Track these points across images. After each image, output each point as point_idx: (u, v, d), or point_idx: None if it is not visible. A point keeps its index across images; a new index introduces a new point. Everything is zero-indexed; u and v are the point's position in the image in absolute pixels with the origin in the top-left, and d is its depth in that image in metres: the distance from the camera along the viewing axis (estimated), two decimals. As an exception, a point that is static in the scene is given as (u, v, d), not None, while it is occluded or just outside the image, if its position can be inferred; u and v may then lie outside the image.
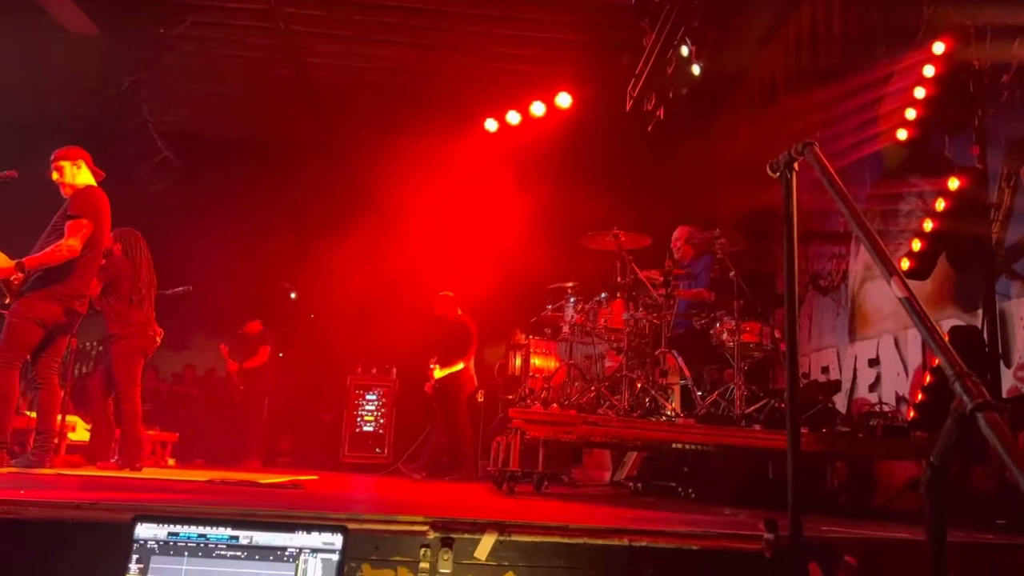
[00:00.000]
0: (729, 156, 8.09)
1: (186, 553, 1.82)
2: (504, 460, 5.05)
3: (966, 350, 4.59)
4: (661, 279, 5.57)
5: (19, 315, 4.68)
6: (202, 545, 1.82)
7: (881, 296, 6.26)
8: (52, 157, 5.02)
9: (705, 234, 5.62)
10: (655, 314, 5.51)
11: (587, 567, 2.07)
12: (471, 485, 6.38)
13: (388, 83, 9.04)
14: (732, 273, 5.25)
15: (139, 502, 2.30)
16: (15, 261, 4.58)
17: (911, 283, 1.68)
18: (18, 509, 2.04)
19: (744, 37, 7.10)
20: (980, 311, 5.00)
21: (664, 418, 4.95)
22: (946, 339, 1.56)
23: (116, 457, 5.62)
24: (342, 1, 7.71)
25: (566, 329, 5.83)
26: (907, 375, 5.83)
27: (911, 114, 5.60)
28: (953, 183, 5.03)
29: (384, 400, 9.50)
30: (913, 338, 5.78)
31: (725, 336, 5.16)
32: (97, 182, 5.13)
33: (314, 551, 1.83)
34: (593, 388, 5.50)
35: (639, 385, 5.30)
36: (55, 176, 5.00)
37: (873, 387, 6.23)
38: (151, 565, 1.80)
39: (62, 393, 5.28)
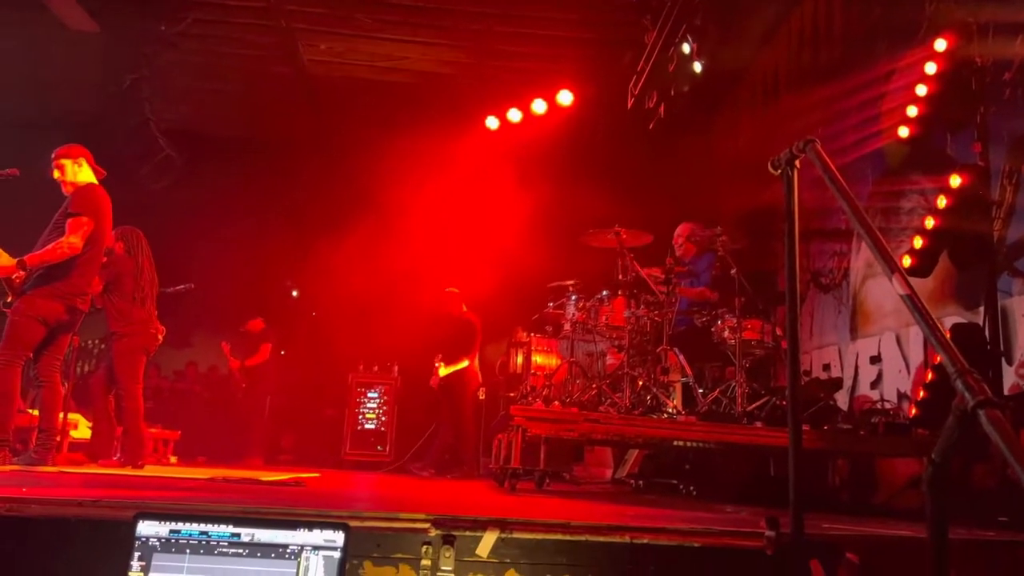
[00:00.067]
0: (731, 153, 8.08)
1: (188, 551, 1.82)
2: (506, 458, 5.05)
3: (968, 347, 4.59)
4: (663, 277, 5.57)
5: (21, 313, 4.68)
6: (204, 542, 1.83)
7: (883, 293, 6.25)
8: (53, 155, 5.03)
9: (707, 232, 5.61)
10: (656, 312, 5.51)
11: (589, 564, 2.07)
12: (473, 483, 6.38)
13: (389, 81, 9.03)
14: (733, 271, 5.25)
15: (141, 500, 2.31)
16: (16, 259, 4.59)
17: (913, 280, 1.68)
18: (20, 507, 2.04)
19: (745, 34, 7.09)
20: (982, 308, 4.99)
21: (665, 416, 4.96)
22: (948, 336, 1.56)
23: (118, 455, 5.63)
24: (343, -1, 7.71)
25: (567, 327, 5.83)
26: (909, 372, 5.82)
27: (913, 111, 5.59)
28: (955, 180, 5.03)
29: (386, 398, 9.50)
30: (915, 335, 5.78)
31: (726, 334, 5.16)
32: (98, 180, 5.13)
33: (316, 548, 1.83)
34: (594, 386, 5.50)
35: (640, 383, 5.30)
36: (56, 174, 5.01)
37: (875, 384, 6.23)
38: (153, 563, 1.81)
39: (64, 391, 5.28)
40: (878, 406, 5.75)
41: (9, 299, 4.76)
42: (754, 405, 4.92)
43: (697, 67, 6.64)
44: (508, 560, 2.05)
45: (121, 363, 5.45)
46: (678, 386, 5.60)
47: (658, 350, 5.42)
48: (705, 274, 5.99)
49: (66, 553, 1.99)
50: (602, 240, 5.82)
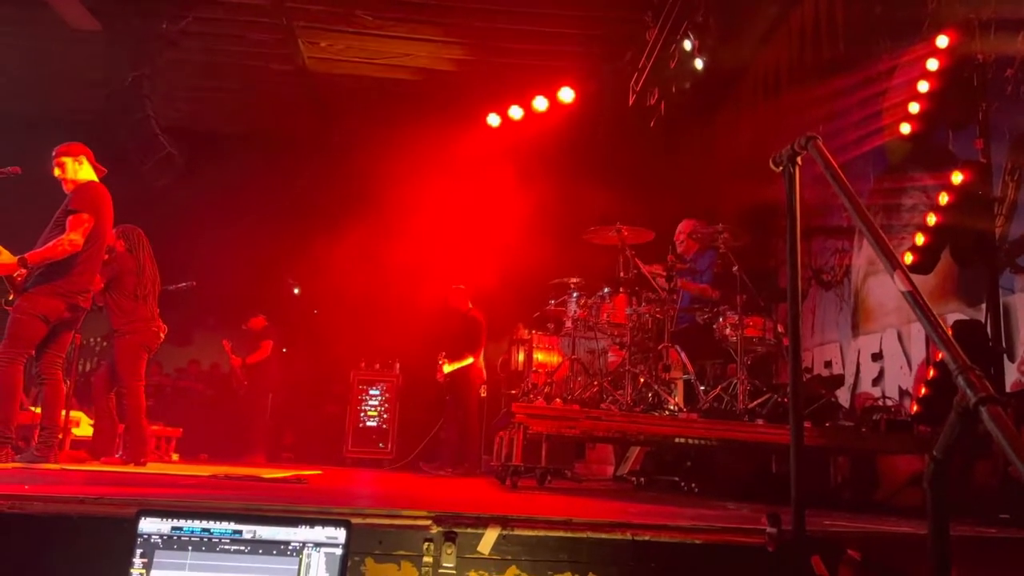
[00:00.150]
0: (732, 150, 8.06)
1: (190, 547, 1.82)
2: (507, 455, 5.05)
3: (969, 344, 4.57)
4: (664, 274, 5.57)
5: (23, 311, 4.69)
6: (206, 539, 1.83)
7: (884, 290, 6.24)
8: (54, 153, 5.03)
9: (709, 229, 5.60)
10: (658, 309, 5.51)
11: (590, 561, 2.07)
12: (474, 480, 6.39)
13: (390, 78, 9.02)
14: (735, 268, 5.25)
15: (143, 497, 2.31)
16: (18, 257, 4.59)
17: (914, 277, 1.68)
18: (22, 504, 2.04)
19: (747, 31, 7.08)
20: (984, 305, 4.99)
21: (667, 413, 4.96)
22: (949, 333, 1.56)
23: (120, 452, 5.65)
24: (344, -4, 7.70)
25: (569, 324, 5.83)
26: (910, 369, 5.82)
27: (914, 108, 5.58)
28: (957, 177, 5.02)
29: (387, 395, 9.51)
30: (916, 332, 5.78)
31: (728, 331, 5.16)
32: (99, 178, 5.14)
33: (317, 545, 1.83)
34: (596, 383, 5.50)
35: (642, 380, 5.30)
36: (57, 172, 5.02)
37: (876, 381, 6.22)
38: (155, 559, 1.81)
39: (66, 388, 5.29)
40: (880, 403, 5.75)
41: (11, 297, 4.76)
42: (756, 402, 4.92)
43: (699, 64, 6.63)
44: (510, 557, 2.05)
45: (123, 361, 5.46)
46: (680, 383, 5.60)
47: (660, 347, 5.42)
48: (707, 271, 5.99)
49: (68, 550, 1.99)
50: (603, 237, 5.82)
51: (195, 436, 8.38)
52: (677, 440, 4.78)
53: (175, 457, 7.46)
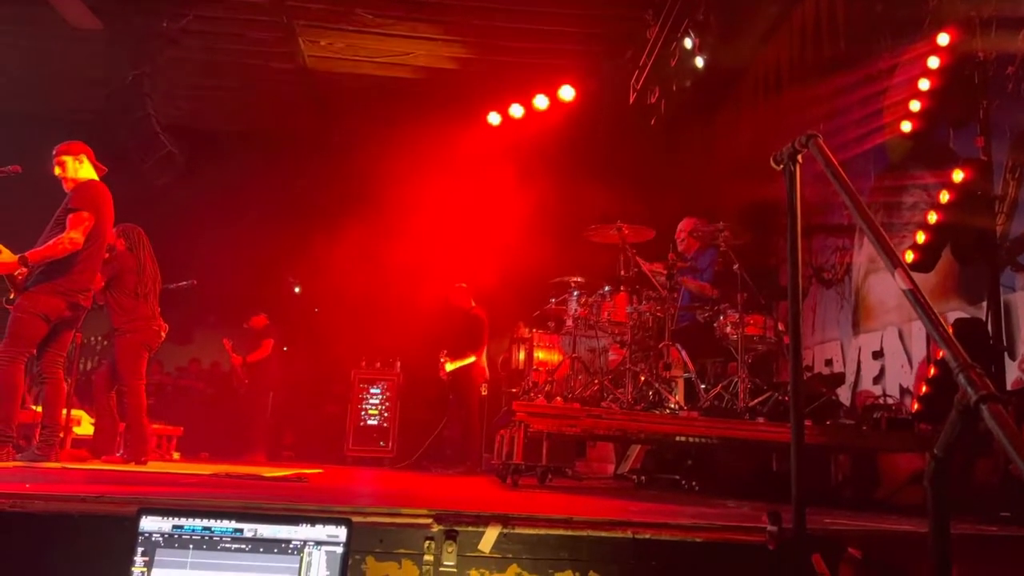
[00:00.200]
0: (733, 149, 8.06)
1: (191, 546, 1.82)
2: (508, 453, 5.05)
3: (970, 342, 4.58)
4: (665, 272, 5.56)
5: (23, 310, 4.69)
6: (207, 538, 1.83)
7: (885, 288, 6.24)
8: (54, 152, 5.03)
9: (709, 227, 5.60)
10: (659, 307, 5.50)
11: (591, 559, 2.07)
12: (475, 478, 6.39)
13: (390, 76, 9.02)
14: (736, 266, 5.24)
15: (144, 495, 2.31)
16: (18, 255, 4.59)
17: (915, 275, 1.68)
18: (24, 503, 2.05)
19: (748, 29, 7.07)
20: (984, 303, 4.98)
21: (668, 411, 4.96)
22: (950, 331, 1.56)
23: (121, 451, 5.65)
24: (344, -6, 7.69)
25: (569, 322, 5.83)
26: (911, 368, 5.82)
27: (915, 106, 5.57)
28: (958, 175, 5.01)
29: (388, 394, 9.51)
30: (917, 330, 5.77)
31: (729, 329, 5.16)
32: (99, 177, 5.14)
33: (318, 544, 1.83)
34: (597, 381, 5.50)
35: (643, 378, 5.30)
36: (57, 171, 5.02)
37: (877, 380, 6.22)
38: (156, 558, 1.81)
39: (67, 387, 5.30)
40: (880, 401, 5.74)
41: (12, 296, 4.76)
42: (756, 400, 4.91)
43: (699, 62, 6.63)
44: (510, 555, 2.05)
45: (124, 359, 5.46)
46: (680, 382, 5.60)
47: (660, 346, 5.42)
48: (707, 269, 5.98)
49: (70, 549, 1.99)
50: (604, 236, 5.81)
51: (196, 435, 8.39)
52: (678, 438, 4.78)
53: (176, 456, 7.47)
